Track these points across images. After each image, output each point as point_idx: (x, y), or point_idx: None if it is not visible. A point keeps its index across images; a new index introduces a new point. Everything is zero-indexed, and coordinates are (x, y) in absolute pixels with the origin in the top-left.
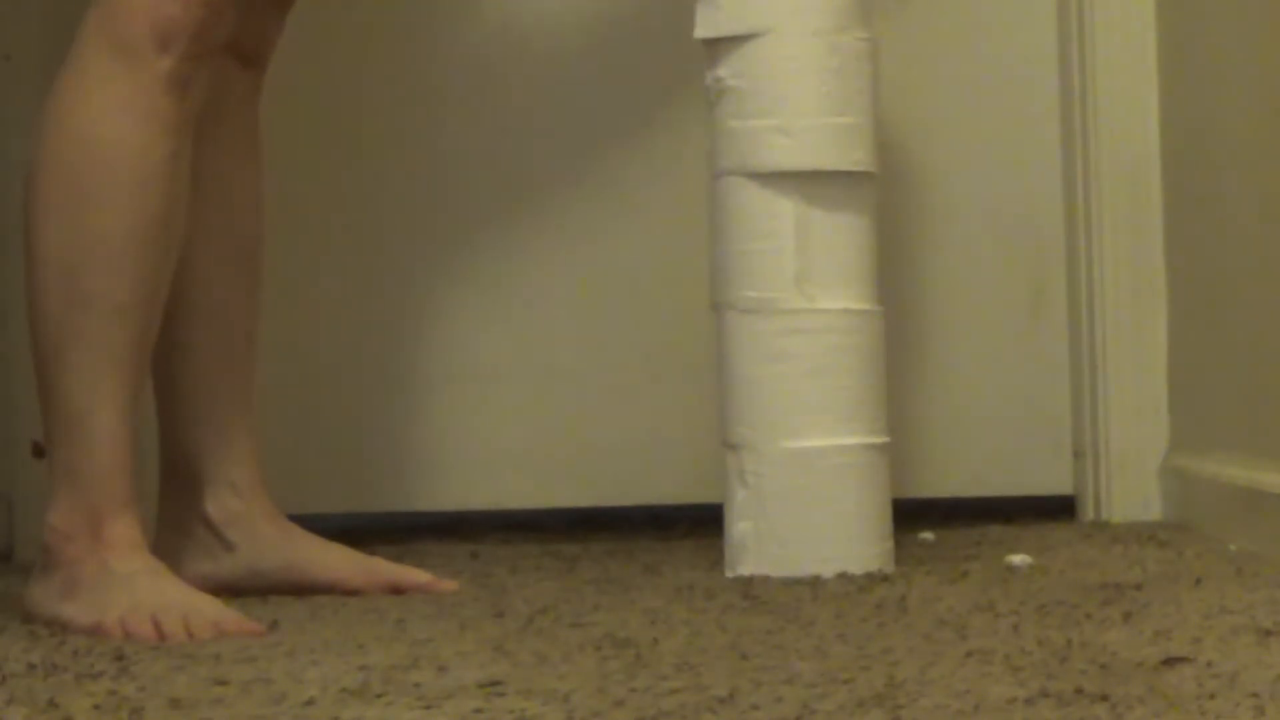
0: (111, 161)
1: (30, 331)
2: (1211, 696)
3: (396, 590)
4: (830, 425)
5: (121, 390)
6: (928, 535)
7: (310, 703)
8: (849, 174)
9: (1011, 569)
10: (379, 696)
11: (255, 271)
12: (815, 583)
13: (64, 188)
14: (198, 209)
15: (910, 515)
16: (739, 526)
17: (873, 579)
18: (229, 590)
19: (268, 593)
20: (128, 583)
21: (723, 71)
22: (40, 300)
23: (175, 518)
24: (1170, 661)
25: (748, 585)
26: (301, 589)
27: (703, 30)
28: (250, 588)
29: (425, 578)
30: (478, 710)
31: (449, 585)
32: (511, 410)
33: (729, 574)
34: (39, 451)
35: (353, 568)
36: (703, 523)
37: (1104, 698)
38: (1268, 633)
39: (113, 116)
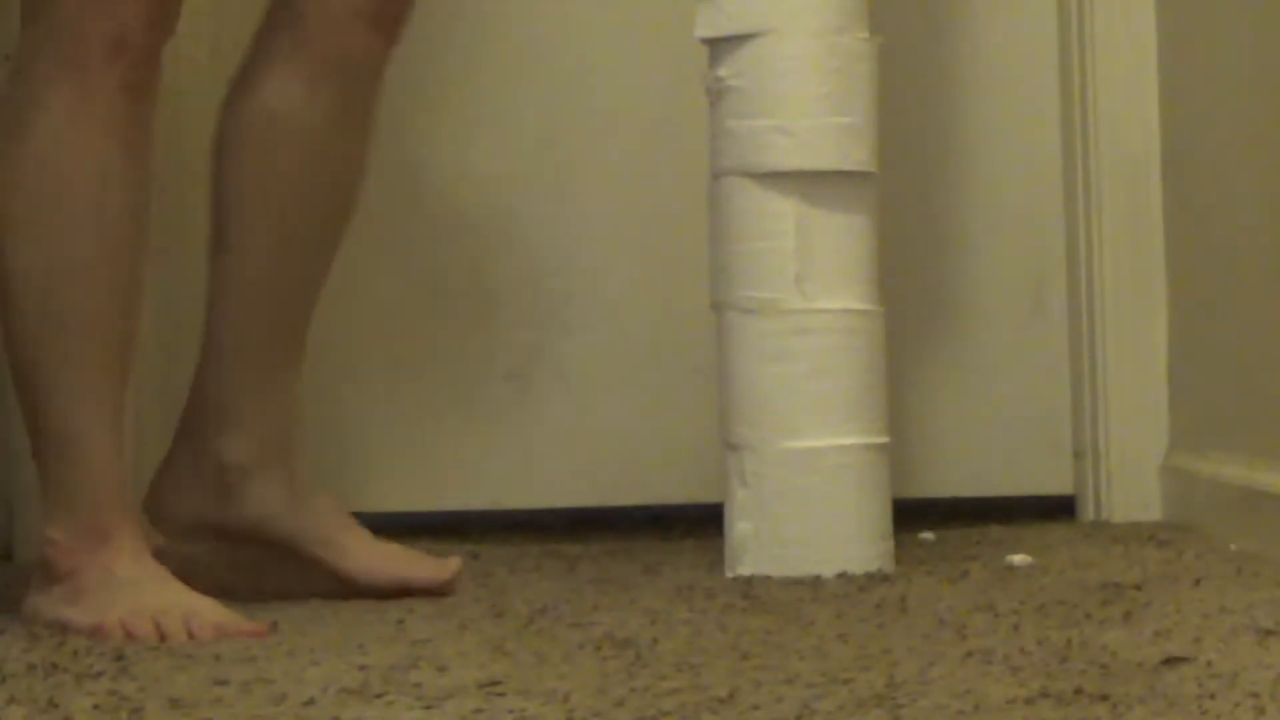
0: (73, 179)
1: (8, 353)
2: (1211, 696)
3: (404, 589)
4: (830, 425)
5: (109, 403)
6: (928, 535)
7: (310, 703)
8: (849, 174)
9: (1011, 569)
10: (379, 696)
11: (332, 238)
12: (815, 583)
13: (28, 208)
14: (290, 166)
15: (910, 515)
16: (739, 526)
17: (873, 579)
18: (223, 538)
19: (262, 555)
20: (130, 586)
21: (723, 71)
22: (15, 322)
23: (187, 457)
24: (1170, 661)
25: (748, 585)
26: (302, 563)
27: (703, 30)
28: (245, 545)
29: (446, 571)
30: (478, 710)
31: (454, 564)
32: (512, 410)
33: (729, 574)
34: None
35: (365, 553)
36: (703, 523)
37: (1104, 698)
38: (1268, 633)
39: (71, 133)
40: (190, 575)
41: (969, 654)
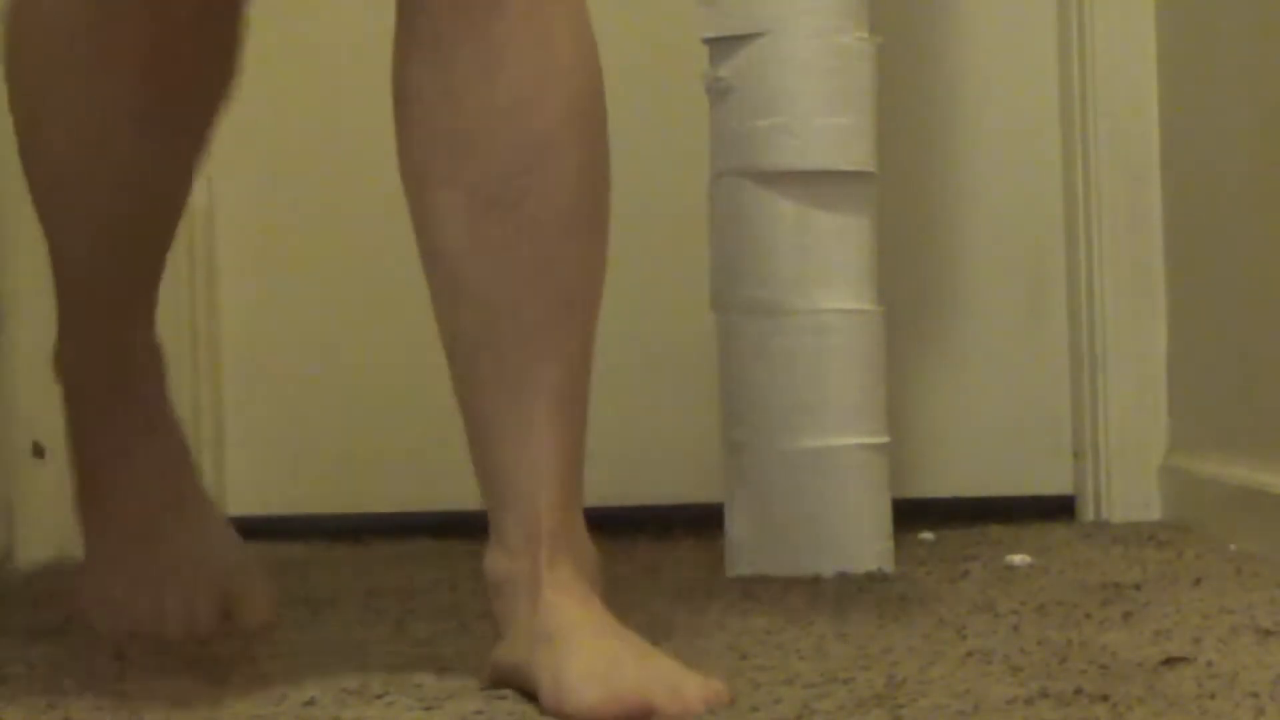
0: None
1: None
2: (1211, 696)
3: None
4: (830, 425)
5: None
6: (928, 535)
7: (310, 703)
8: (849, 174)
9: (1011, 569)
10: (379, 697)
11: (519, 219)
12: (815, 583)
13: (46, 159)
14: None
15: (910, 515)
16: (739, 526)
17: (873, 579)
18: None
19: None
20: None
21: (724, 71)
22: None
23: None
24: (1170, 661)
25: (748, 585)
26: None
27: (704, 30)
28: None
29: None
30: (478, 711)
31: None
32: None
33: (729, 574)
34: (39, 451)
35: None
36: (703, 523)
37: (1104, 698)
38: (1268, 633)
39: (80, 97)
40: None
41: (969, 654)
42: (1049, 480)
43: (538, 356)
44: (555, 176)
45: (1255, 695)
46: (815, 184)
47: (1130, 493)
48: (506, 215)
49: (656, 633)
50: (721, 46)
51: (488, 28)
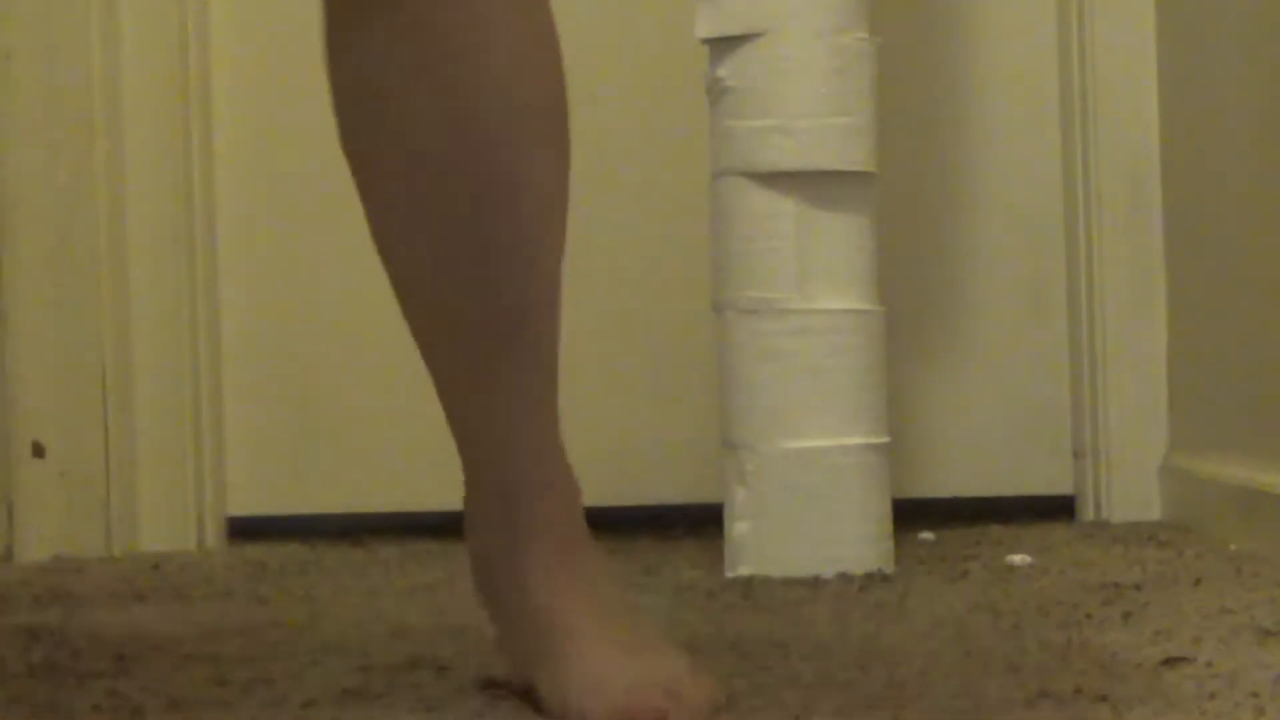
0: None
1: None
2: (1211, 696)
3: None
4: (830, 425)
5: None
6: (928, 535)
7: (311, 703)
8: (849, 174)
9: (1011, 569)
10: (379, 697)
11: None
12: (815, 583)
13: None
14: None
15: (910, 515)
16: (739, 526)
17: (873, 579)
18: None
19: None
20: None
21: (723, 71)
22: None
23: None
24: (1170, 661)
25: (748, 585)
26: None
27: (703, 30)
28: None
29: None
30: (478, 712)
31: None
32: None
33: (729, 574)
34: (39, 451)
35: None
36: (703, 523)
37: (1104, 698)
38: (1268, 633)
39: None
40: None
41: (969, 654)
42: (1049, 480)
43: (502, 355)
44: (511, 187)
45: (1255, 695)
46: (815, 184)
47: (1130, 493)
48: (454, 224)
49: None
50: (721, 46)
51: (424, 17)
